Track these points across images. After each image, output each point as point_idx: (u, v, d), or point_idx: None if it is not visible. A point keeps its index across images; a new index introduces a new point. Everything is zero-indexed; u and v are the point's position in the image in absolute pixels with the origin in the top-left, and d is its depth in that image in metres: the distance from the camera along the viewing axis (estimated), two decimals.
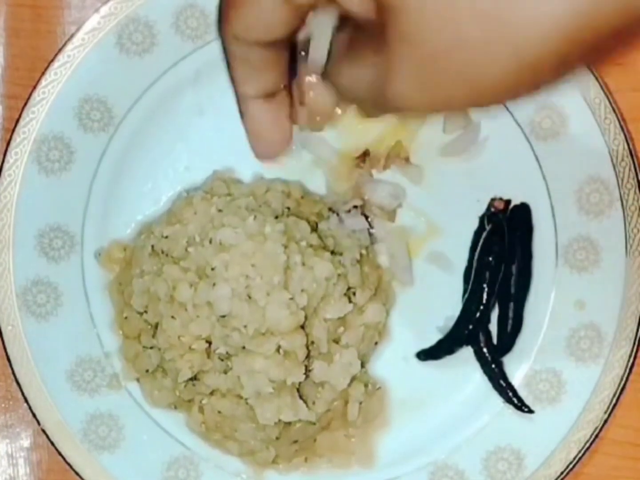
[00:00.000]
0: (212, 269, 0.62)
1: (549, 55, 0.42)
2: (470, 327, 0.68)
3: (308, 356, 0.64)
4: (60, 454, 0.67)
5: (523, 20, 0.42)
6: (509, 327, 0.68)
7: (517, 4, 0.42)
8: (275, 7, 0.48)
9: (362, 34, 0.48)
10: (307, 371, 0.64)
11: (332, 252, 0.65)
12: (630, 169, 0.67)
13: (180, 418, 0.68)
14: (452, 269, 0.69)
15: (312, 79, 0.53)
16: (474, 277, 0.68)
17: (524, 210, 0.68)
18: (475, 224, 0.69)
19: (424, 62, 0.45)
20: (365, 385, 0.67)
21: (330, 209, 0.68)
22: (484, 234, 0.68)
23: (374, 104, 0.50)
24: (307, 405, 0.65)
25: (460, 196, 0.69)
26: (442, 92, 0.46)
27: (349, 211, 0.68)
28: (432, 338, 0.69)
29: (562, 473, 0.67)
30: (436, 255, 0.69)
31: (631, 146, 0.67)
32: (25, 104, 0.66)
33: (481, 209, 0.69)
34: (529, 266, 0.68)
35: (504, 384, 0.68)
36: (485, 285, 0.67)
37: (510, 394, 0.68)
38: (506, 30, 0.42)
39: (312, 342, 0.64)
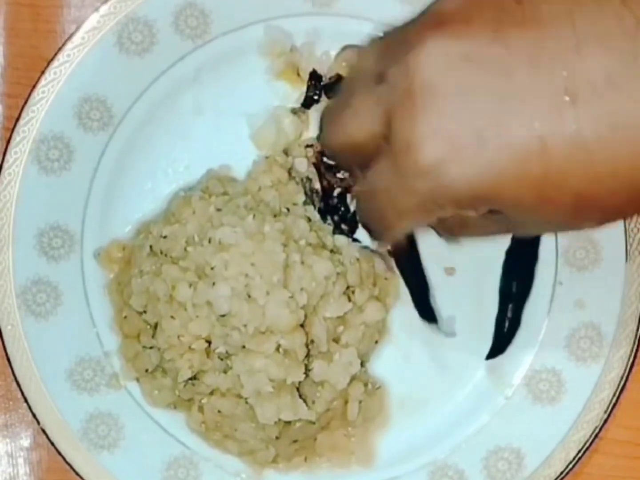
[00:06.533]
0: (212, 269, 0.62)
1: None
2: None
3: (308, 355, 0.64)
4: (60, 453, 0.67)
5: None
6: (506, 328, 0.68)
7: None
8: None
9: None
10: (307, 370, 0.64)
11: (331, 251, 0.65)
12: None
13: (180, 418, 0.68)
14: (453, 269, 0.69)
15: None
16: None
17: None
18: None
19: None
20: (365, 385, 0.67)
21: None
22: None
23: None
24: (306, 405, 0.65)
25: None
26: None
27: None
28: (432, 338, 0.69)
29: (562, 473, 0.67)
30: (437, 255, 0.69)
31: None
32: (25, 103, 0.66)
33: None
34: (533, 268, 0.68)
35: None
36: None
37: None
38: None
39: (312, 341, 0.64)
